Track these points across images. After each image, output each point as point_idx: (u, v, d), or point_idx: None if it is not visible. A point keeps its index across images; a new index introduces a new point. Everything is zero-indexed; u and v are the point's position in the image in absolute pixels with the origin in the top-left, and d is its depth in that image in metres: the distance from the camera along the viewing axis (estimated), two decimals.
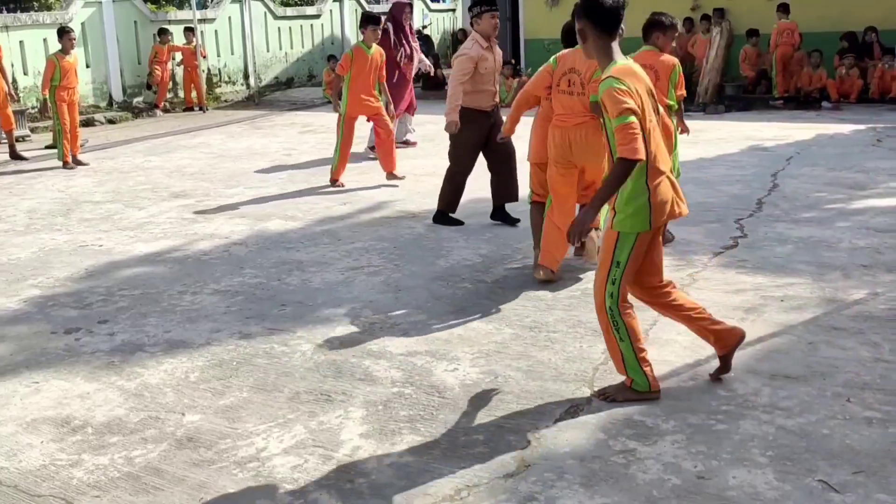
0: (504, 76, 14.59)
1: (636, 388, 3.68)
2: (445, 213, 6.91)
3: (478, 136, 6.59)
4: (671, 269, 5.46)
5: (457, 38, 18.08)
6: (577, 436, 3.43)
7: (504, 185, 6.67)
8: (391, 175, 8.60)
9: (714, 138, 10.61)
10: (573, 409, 3.65)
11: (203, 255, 6.26)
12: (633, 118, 3.37)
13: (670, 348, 4.23)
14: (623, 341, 3.63)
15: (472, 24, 6.57)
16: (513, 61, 15.54)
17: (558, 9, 16.44)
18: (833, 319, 4.52)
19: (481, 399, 3.78)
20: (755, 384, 3.80)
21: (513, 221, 6.74)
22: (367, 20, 8.59)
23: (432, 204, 7.54)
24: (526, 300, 5.02)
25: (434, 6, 22.78)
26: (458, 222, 6.89)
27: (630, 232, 3.55)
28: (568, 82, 5.19)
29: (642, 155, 3.37)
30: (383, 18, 8.89)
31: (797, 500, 2.92)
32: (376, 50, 8.57)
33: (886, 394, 3.65)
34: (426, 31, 20.92)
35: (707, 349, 4.18)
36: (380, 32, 8.64)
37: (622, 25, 3.57)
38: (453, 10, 23.16)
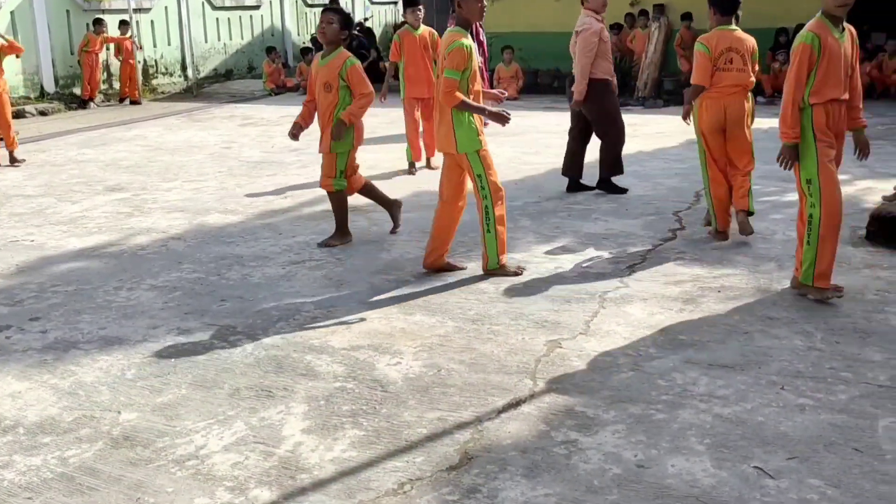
0: None
1: None
2: (610, 180, 7.49)
3: (616, 101, 7.42)
4: (610, 261, 5.53)
5: (397, 30, 18.01)
6: (519, 428, 3.44)
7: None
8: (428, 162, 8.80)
9: (653, 132, 10.78)
10: (516, 401, 3.67)
11: (140, 250, 6.13)
12: None
13: (610, 339, 4.28)
14: None
15: (582, 3, 7.13)
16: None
17: (500, 2, 16.49)
18: (768, 309, 4.62)
19: (424, 392, 3.77)
20: (693, 374, 3.86)
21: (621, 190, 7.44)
22: (407, 3, 8.64)
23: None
24: (469, 293, 5.03)
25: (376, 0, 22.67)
26: (623, 190, 7.44)
27: None
28: (728, 60, 5.73)
29: None
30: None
31: (733, 486, 2.98)
32: (425, 30, 8.59)
33: (818, 381, 3.75)
34: (368, 24, 20.81)
35: (647, 341, 4.25)
36: (420, 13, 8.61)
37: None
38: (395, 3, 23.06)
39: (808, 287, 4.70)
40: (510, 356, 4.13)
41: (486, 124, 5.65)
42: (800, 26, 13.97)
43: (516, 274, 5.31)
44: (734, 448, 3.23)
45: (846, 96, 4.65)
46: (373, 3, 22.69)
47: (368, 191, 6.28)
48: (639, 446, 3.27)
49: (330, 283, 5.29)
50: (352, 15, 10.09)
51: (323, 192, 7.74)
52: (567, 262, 5.54)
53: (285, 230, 6.54)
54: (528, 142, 10.24)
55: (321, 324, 4.62)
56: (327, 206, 7.23)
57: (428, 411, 3.60)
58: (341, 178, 5.97)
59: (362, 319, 4.66)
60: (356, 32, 19.29)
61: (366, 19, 21.79)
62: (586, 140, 7.55)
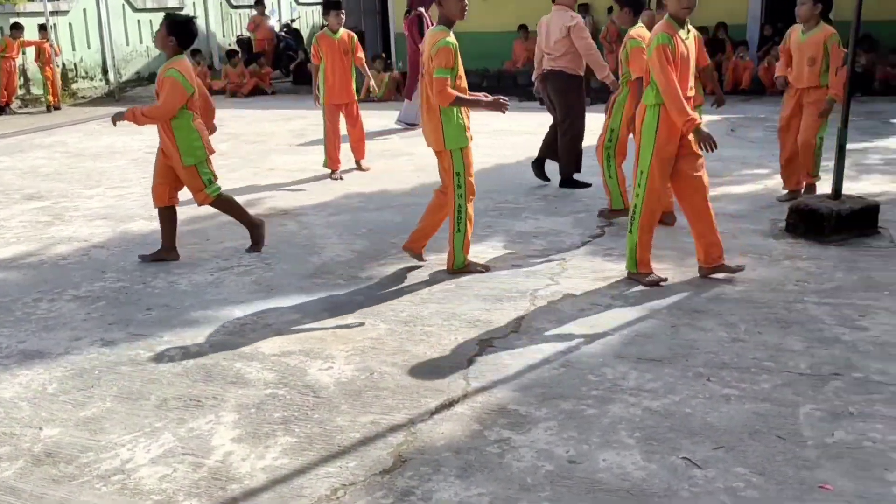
0: (376, 70, 14.56)
1: None
2: (572, 177, 7.57)
3: (584, 100, 7.52)
4: (541, 258, 5.58)
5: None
6: (452, 428, 3.44)
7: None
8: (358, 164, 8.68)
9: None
10: (449, 401, 3.67)
11: (61, 260, 5.94)
12: None
13: (541, 337, 4.31)
14: None
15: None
16: (383, 55, 15.50)
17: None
18: (694, 302, 4.72)
19: (357, 396, 3.74)
20: (623, 368, 3.92)
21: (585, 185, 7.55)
22: (329, 5, 8.48)
23: (304, 200, 7.45)
24: (401, 295, 5.01)
25: (303, 0, 22.44)
26: (587, 185, 7.48)
27: None
28: None
29: None
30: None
31: (662, 478, 3.03)
32: (344, 33, 8.43)
33: (742, 371, 3.84)
34: (294, 25, 20.62)
35: (578, 337, 4.29)
36: (342, 16, 8.46)
37: None
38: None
39: (636, 274, 5.06)
40: (443, 357, 4.13)
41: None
42: (721, 24, 14.22)
43: (481, 272, 5.33)
44: (663, 440, 3.29)
45: (692, 93, 4.94)
46: (299, 3, 22.47)
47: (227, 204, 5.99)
48: (570, 442, 3.30)
49: (259, 288, 5.21)
50: (279, 16, 10.01)
51: (254, 195, 7.65)
52: (498, 261, 5.56)
53: (213, 236, 6.43)
54: None
55: (251, 330, 4.55)
56: (256, 209, 7.14)
57: (360, 415, 3.57)
58: (212, 185, 5.79)
59: (293, 324, 4.61)
60: (283, 34, 19.11)
61: (293, 20, 21.60)
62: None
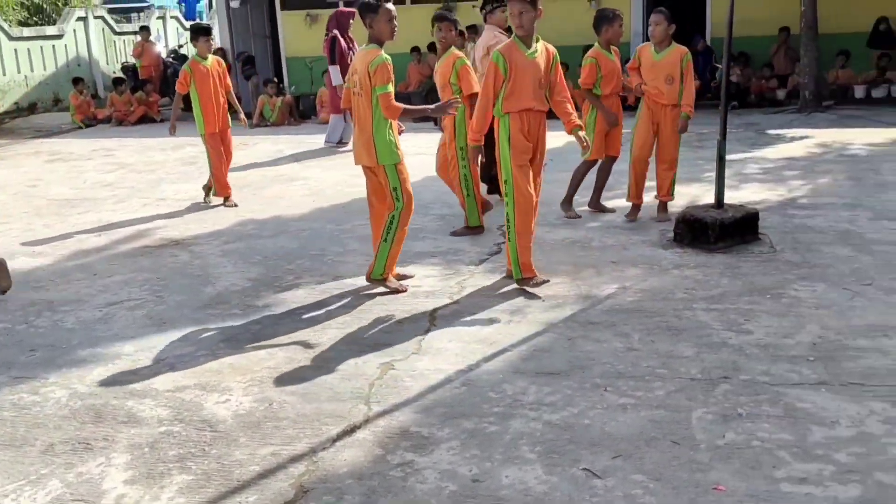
0: (268, 94, 14.39)
1: None
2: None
3: None
4: (440, 278, 5.60)
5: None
6: (355, 454, 3.40)
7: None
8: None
9: None
10: (350, 427, 3.63)
11: None
12: None
13: (442, 357, 4.32)
14: None
15: (484, 19, 7.54)
16: (275, 80, 15.34)
17: (318, 25, 16.44)
18: (589, 314, 4.82)
19: (256, 428, 3.66)
20: (522, 383, 3.96)
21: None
22: (198, 32, 8.25)
23: (197, 230, 7.27)
24: (299, 321, 4.94)
25: (189, 24, 22.03)
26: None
27: None
28: None
29: None
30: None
31: (564, 490, 3.07)
32: (213, 59, 8.19)
33: (637, 380, 3.94)
34: (182, 51, 20.21)
35: (477, 355, 4.32)
36: (213, 44, 8.20)
37: None
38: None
39: (522, 279, 5.25)
40: (343, 382, 4.08)
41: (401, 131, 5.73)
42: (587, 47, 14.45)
43: (396, 291, 5.31)
44: (563, 452, 3.33)
45: (543, 107, 5.27)
46: (186, 29, 22.03)
47: None
48: (473, 461, 3.31)
49: (151, 322, 5.05)
50: (165, 41, 9.78)
51: (144, 226, 7.44)
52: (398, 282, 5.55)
53: (101, 270, 6.19)
54: (354, 164, 10.20)
55: (143, 366, 4.39)
56: (146, 242, 6.94)
57: (260, 447, 3.49)
58: None
59: (187, 358, 4.48)
60: (171, 60, 18.69)
61: (180, 46, 21.17)
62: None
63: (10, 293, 5.66)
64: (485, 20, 7.61)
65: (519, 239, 5.21)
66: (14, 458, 3.49)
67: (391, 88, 5.05)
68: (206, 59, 8.13)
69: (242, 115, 8.62)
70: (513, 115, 5.14)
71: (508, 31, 7.50)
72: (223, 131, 8.25)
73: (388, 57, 5.07)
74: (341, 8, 11.61)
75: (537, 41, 5.21)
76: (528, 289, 5.21)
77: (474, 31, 15.17)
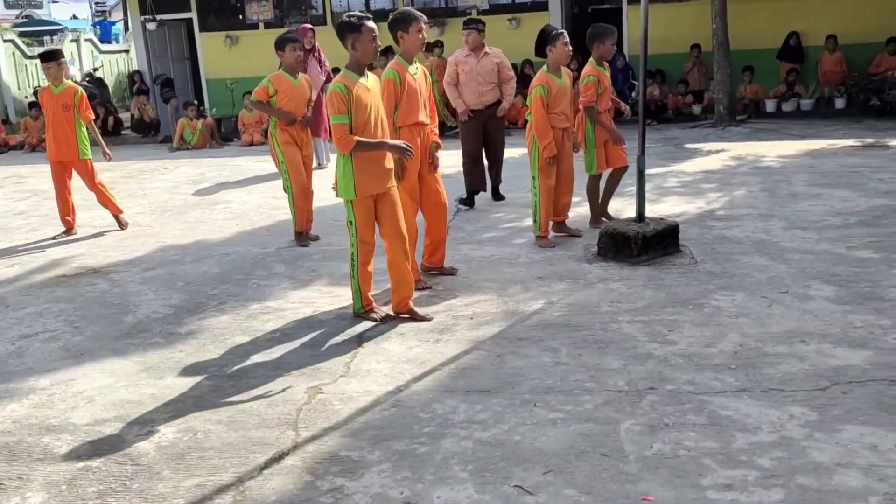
0: (188, 117, 14.14)
1: None
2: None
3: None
4: None
5: (133, 80, 17.20)
6: (283, 482, 3.33)
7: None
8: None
9: None
10: (278, 454, 3.55)
11: None
12: None
13: (371, 378, 4.27)
14: None
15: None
16: (195, 102, 15.09)
17: (238, 47, 16.29)
18: (517, 331, 4.84)
19: (180, 460, 3.55)
20: (452, 402, 3.95)
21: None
22: (47, 57, 7.96)
23: (116, 257, 7.07)
24: (222, 348, 4.83)
25: (105, 48, 21.54)
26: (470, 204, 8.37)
27: None
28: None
29: None
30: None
31: None
32: (67, 86, 7.87)
33: (566, 394, 3.96)
34: (98, 74, 19.75)
35: (407, 375, 4.29)
36: (65, 68, 7.93)
37: None
38: (126, 52, 22.07)
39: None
40: (270, 409, 4.00)
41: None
42: (527, 61, 14.87)
43: (382, 320, 5.12)
44: (495, 470, 3.32)
45: (427, 120, 5.63)
46: (102, 52, 21.56)
47: None
48: (405, 483, 3.27)
49: (68, 354, 4.87)
50: (79, 65, 9.52)
51: (60, 254, 7.21)
52: (324, 305, 5.49)
53: (13, 301, 5.96)
54: (277, 187, 10.09)
55: (59, 400, 4.23)
56: (61, 271, 6.71)
57: (184, 479, 3.39)
58: None
59: (107, 390, 4.33)
60: (86, 83, 18.23)
61: (95, 69, 20.68)
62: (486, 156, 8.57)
63: None
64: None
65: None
66: None
67: (344, 119, 4.76)
68: (57, 86, 7.81)
69: (105, 149, 8.22)
70: (404, 129, 5.47)
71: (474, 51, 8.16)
72: (74, 163, 7.91)
73: (342, 85, 4.76)
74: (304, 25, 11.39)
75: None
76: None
77: (387, 51, 15.24)
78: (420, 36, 5.44)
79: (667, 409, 3.74)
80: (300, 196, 7.10)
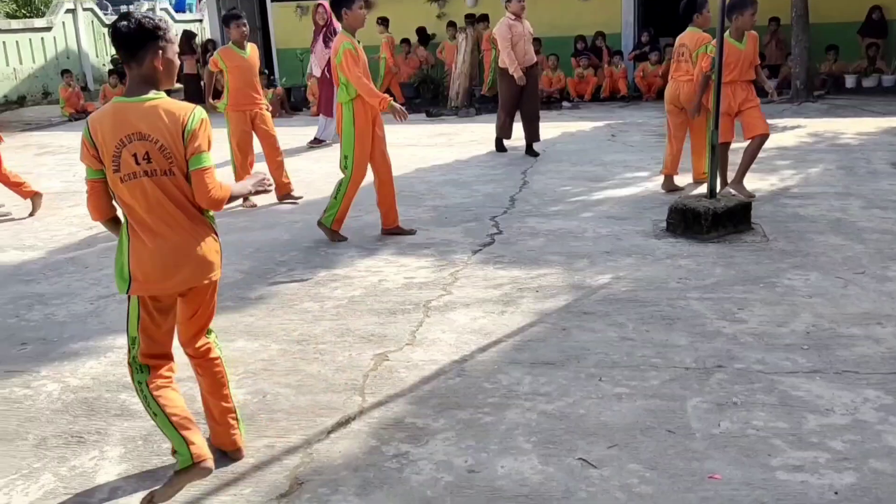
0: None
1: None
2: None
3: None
4: (432, 269, 5.58)
5: (206, 49, 17.44)
6: (350, 446, 3.39)
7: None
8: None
9: (467, 140, 11.02)
10: (345, 419, 3.61)
11: None
12: None
13: (436, 348, 4.31)
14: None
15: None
16: (265, 72, 15.25)
17: (308, 17, 16.35)
18: (583, 305, 4.82)
19: (250, 420, 3.64)
20: (517, 374, 3.96)
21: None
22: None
23: None
24: (292, 314, 4.92)
25: (179, 17, 21.90)
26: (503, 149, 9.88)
27: None
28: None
29: None
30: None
31: (560, 480, 3.07)
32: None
33: (633, 370, 3.94)
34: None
35: (472, 345, 4.31)
36: None
37: None
38: (200, 21, 22.39)
39: (329, 229, 6.31)
40: (337, 374, 4.07)
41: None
42: (599, 33, 14.84)
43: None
44: (559, 443, 3.33)
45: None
46: (176, 21, 21.88)
47: None
48: (469, 451, 3.30)
49: None
50: None
51: None
52: (390, 275, 5.54)
53: (92, 263, 6.16)
54: None
55: None
56: None
57: (255, 440, 3.47)
58: None
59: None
60: None
61: None
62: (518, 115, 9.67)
63: (0, 286, 5.63)
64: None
65: (346, 201, 6.24)
66: (6, 453, 3.47)
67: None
68: None
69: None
70: (356, 101, 6.01)
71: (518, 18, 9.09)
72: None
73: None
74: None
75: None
76: (329, 237, 6.30)
77: (472, 20, 15.20)
78: (362, 11, 6.05)
79: (735, 388, 3.69)
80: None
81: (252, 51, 7.76)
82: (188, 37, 16.70)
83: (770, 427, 3.35)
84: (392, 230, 6.47)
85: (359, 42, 6.11)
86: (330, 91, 10.46)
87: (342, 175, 6.25)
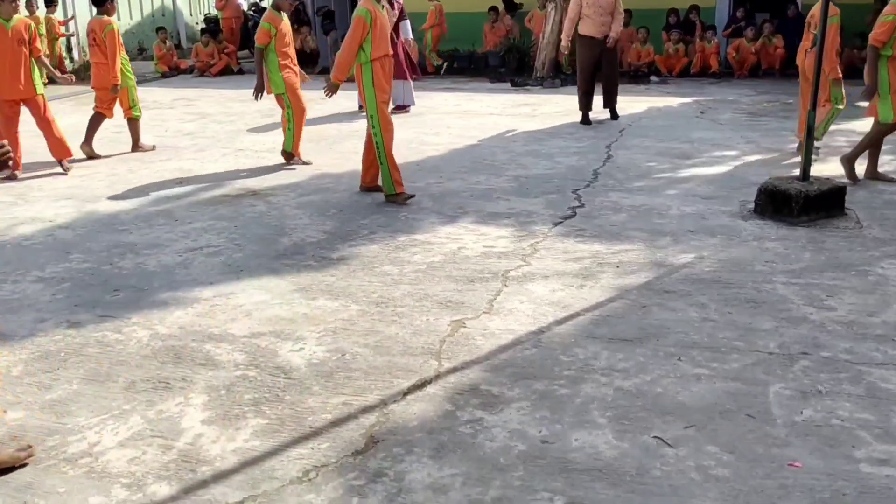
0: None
1: None
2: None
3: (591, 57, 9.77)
4: (512, 240, 5.57)
5: (296, 12, 17.62)
6: (425, 409, 3.43)
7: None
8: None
9: (551, 112, 10.91)
10: (421, 382, 3.66)
11: (24, 241, 5.83)
12: None
13: (513, 317, 4.31)
14: None
15: None
16: None
17: None
18: (664, 283, 4.74)
19: (328, 378, 3.72)
20: (594, 348, 3.93)
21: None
22: None
23: (274, 181, 7.38)
24: (372, 276, 4.98)
25: None
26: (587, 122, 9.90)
27: None
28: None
29: None
30: None
31: (634, 457, 3.05)
32: (19, 21, 7.62)
33: (713, 351, 3.87)
34: (263, 4, 20.34)
35: (549, 317, 4.29)
36: (17, 4, 7.66)
37: None
38: None
39: (395, 195, 6.50)
40: (415, 338, 4.11)
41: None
42: (693, 7, 14.52)
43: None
44: (634, 420, 3.30)
45: (391, 52, 6.55)
46: None
47: None
48: (543, 422, 3.30)
49: (229, 269, 5.15)
50: None
51: (223, 175, 7.59)
52: (470, 242, 5.55)
53: (181, 216, 6.34)
54: (428, 123, 10.22)
55: (220, 311, 4.50)
56: (225, 191, 7.07)
57: (332, 396, 3.55)
58: None
59: (263, 306, 4.56)
60: (252, 13, 18.82)
61: (261, 0, 21.27)
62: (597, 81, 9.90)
63: (95, 234, 5.85)
64: None
65: (389, 160, 6.45)
66: (97, 393, 3.62)
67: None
68: (8, 20, 7.54)
69: (59, 73, 8.31)
70: (375, 62, 6.34)
71: None
72: (27, 101, 7.74)
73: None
74: None
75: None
76: (398, 202, 6.45)
77: None
78: None
79: (820, 377, 3.59)
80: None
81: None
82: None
83: (855, 418, 3.25)
84: (372, 188, 6.86)
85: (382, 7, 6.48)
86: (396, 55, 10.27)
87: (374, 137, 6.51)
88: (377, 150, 6.47)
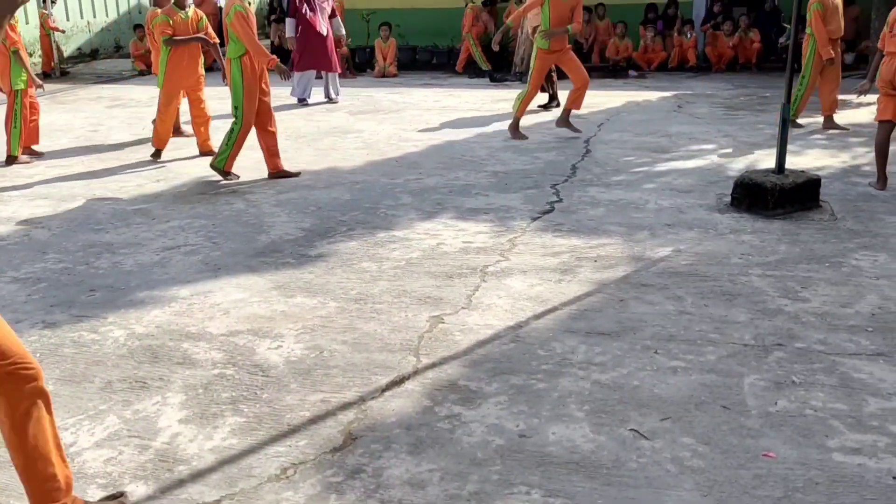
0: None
1: None
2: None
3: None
4: (491, 235, 5.58)
5: (272, 8, 17.54)
6: (403, 405, 3.44)
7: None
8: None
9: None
10: (399, 378, 3.66)
11: None
12: None
13: (491, 313, 4.32)
14: None
15: None
16: None
17: None
18: (641, 276, 4.77)
19: (306, 375, 3.71)
20: (572, 342, 3.95)
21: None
22: None
23: (253, 176, 7.34)
24: (351, 273, 4.98)
25: None
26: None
27: None
28: None
29: None
30: None
31: (611, 449, 3.07)
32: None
33: (689, 344, 3.90)
34: None
35: (527, 312, 4.31)
36: None
37: None
38: None
39: (222, 171, 7.13)
40: (393, 334, 4.11)
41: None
42: (672, 1, 14.45)
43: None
44: (611, 413, 3.32)
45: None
46: None
47: None
48: (520, 416, 3.32)
49: (206, 267, 5.13)
50: None
51: (197, 174, 7.53)
52: (449, 238, 5.55)
53: (158, 215, 6.30)
54: (407, 119, 10.22)
55: (198, 310, 4.48)
56: (203, 189, 7.03)
57: (310, 394, 3.55)
58: None
59: (241, 304, 4.55)
60: None
61: None
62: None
63: (71, 234, 5.81)
64: None
65: (236, 146, 7.03)
66: (74, 394, 3.60)
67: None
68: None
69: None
70: (244, 58, 6.81)
71: None
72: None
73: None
74: None
75: None
76: (223, 177, 7.14)
77: None
78: None
79: (795, 367, 3.63)
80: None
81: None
82: None
83: (829, 408, 3.29)
84: (278, 174, 7.24)
85: (249, 3, 6.98)
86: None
87: (233, 123, 7.04)
88: (230, 133, 7.01)
